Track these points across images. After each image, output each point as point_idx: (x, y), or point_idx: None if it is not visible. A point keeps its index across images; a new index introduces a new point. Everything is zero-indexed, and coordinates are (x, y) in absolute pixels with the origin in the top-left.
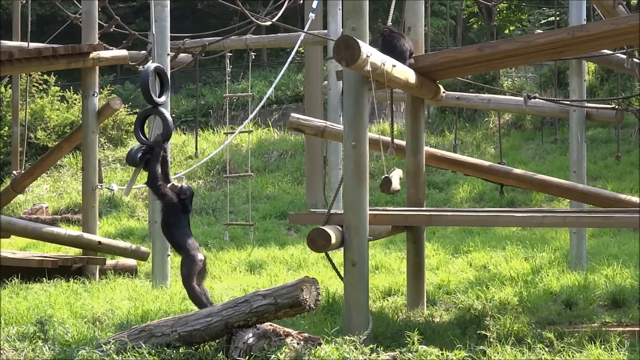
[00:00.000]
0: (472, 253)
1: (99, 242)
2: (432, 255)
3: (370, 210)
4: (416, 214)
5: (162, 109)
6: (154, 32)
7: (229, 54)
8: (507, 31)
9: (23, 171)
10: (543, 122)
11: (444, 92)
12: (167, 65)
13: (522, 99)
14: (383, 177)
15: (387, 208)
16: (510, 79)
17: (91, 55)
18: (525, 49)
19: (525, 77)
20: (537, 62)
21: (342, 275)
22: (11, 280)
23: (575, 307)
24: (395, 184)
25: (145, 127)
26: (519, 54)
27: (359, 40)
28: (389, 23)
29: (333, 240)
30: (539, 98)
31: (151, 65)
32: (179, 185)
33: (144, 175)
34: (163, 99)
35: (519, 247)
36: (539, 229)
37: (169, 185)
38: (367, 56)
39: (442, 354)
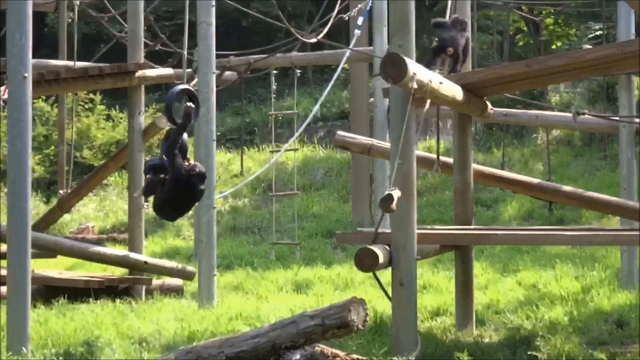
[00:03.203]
0: (521, 272)
1: (145, 262)
2: (481, 274)
3: (418, 229)
4: (464, 233)
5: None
6: (199, 51)
7: (275, 71)
8: (554, 46)
9: (69, 190)
10: (592, 138)
11: (491, 109)
12: (212, 83)
13: (570, 115)
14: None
15: (435, 227)
16: (558, 95)
17: (137, 74)
18: (574, 64)
19: (573, 93)
20: (586, 78)
21: (390, 295)
22: (58, 301)
23: (627, 327)
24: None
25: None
26: (567, 69)
27: (405, 58)
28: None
29: (381, 260)
30: (588, 114)
31: (177, 87)
32: (194, 164)
33: None
34: (192, 120)
35: (569, 266)
36: (589, 247)
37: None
38: (414, 74)
39: None
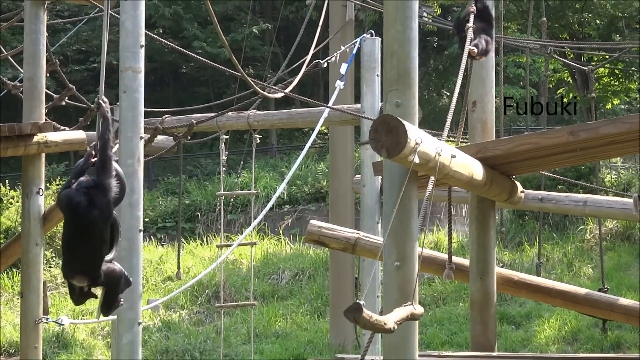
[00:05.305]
0: None
1: None
2: None
3: (420, 356)
4: None
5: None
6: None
7: (225, 136)
8: (609, 106)
9: None
10: None
11: (522, 192)
12: (139, 152)
13: (631, 200)
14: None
15: (444, 353)
16: (614, 172)
17: (36, 139)
18: (635, 132)
19: (635, 170)
20: None
21: None
22: None
23: None
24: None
25: None
26: (627, 139)
27: (405, 122)
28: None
29: None
30: None
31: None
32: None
33: None
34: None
35: None
36: None
37: None
38: (417, 143)
39: None
